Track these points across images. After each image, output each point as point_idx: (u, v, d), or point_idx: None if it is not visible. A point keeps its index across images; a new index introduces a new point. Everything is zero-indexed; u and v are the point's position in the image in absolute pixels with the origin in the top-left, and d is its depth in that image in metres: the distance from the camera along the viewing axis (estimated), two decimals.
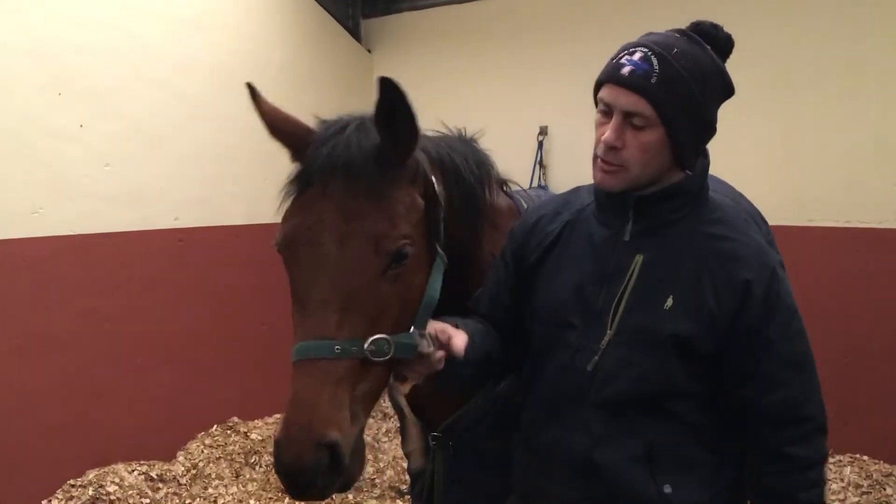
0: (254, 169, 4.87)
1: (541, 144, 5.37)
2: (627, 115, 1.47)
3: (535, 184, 5.23)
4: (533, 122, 5.41)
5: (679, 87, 1.45)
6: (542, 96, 5.37)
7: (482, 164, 1.90)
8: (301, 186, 1.54)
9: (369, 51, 6.16)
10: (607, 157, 1.51)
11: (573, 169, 4.98)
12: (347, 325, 1.42)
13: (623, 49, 1.52)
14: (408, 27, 6.05)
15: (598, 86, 1.55)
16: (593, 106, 1.57)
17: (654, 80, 1.44)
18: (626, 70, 1.47)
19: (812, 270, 4.28)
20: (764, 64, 4.53)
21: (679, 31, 1.55)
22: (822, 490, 1.53)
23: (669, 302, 1.49)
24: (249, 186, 4.90)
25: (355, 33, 6.09)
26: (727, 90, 1.56)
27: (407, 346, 1.47)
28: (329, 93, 5.53)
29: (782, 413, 1.49)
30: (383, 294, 1.47)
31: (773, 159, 4.58)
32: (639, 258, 1.54)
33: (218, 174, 4.79)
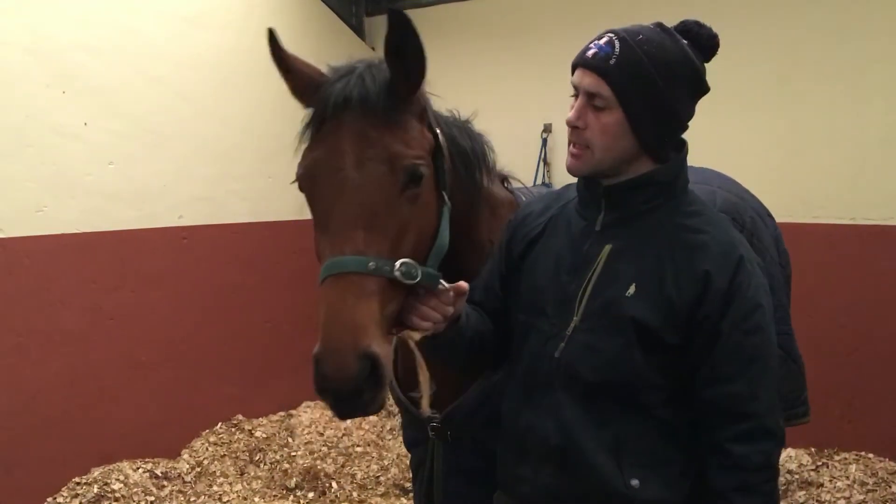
0: (258, 167, 4.87)
1: (545, 142, 5.36)
2: (590, 97, 1.54)
3: (539, 181, 5.22)
4: (537, 120, 5.39)
5: (638, 70, 1.50)
6: (547, 93, 5.33)
7: (476, 139, 1.95)
8: (317, 125, 1.59)
9: (373, 48, 6.15)
10: (572, 138, 1.59)
11: None
12: (374, 242, 1.47)
13: (596, 35, 1.58)
14: None
15: (573, 71, 1.61)
16: None
17: (612, 61, 1.51)
18: (590, 52, 1.55)
19: (817, 268, 4.27)
20: (770, 61, 4.51)
21: (657, 23, 1.59)
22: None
23: (632, 289, 1.51)
24: (253, 184, 4.90)
25: (359, 31, 6.08)
26: (699, 84, 1.58)
27: (432, 275, 1.53)
28: None
29: (726, 407, 1.47)
30: (403, 215, 1.53)
31: (778, 156, 4.55)
32: (607, 248, 1.57)
33: (222, 172, 4.78)
